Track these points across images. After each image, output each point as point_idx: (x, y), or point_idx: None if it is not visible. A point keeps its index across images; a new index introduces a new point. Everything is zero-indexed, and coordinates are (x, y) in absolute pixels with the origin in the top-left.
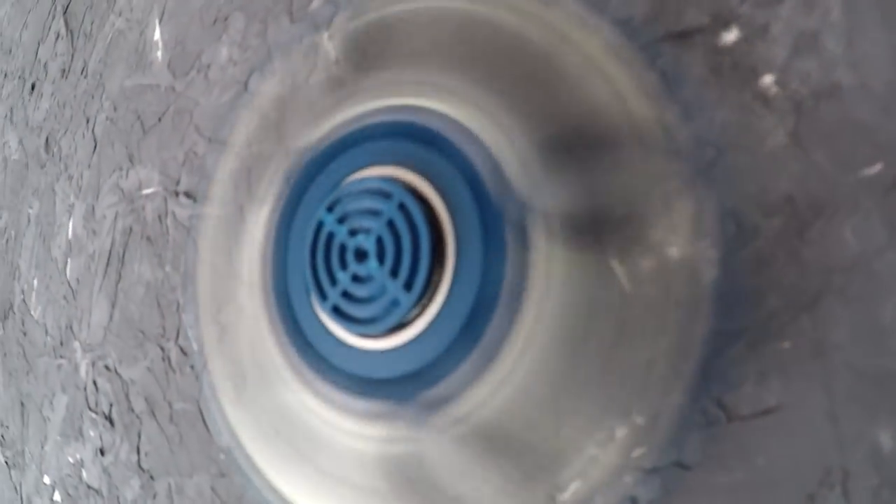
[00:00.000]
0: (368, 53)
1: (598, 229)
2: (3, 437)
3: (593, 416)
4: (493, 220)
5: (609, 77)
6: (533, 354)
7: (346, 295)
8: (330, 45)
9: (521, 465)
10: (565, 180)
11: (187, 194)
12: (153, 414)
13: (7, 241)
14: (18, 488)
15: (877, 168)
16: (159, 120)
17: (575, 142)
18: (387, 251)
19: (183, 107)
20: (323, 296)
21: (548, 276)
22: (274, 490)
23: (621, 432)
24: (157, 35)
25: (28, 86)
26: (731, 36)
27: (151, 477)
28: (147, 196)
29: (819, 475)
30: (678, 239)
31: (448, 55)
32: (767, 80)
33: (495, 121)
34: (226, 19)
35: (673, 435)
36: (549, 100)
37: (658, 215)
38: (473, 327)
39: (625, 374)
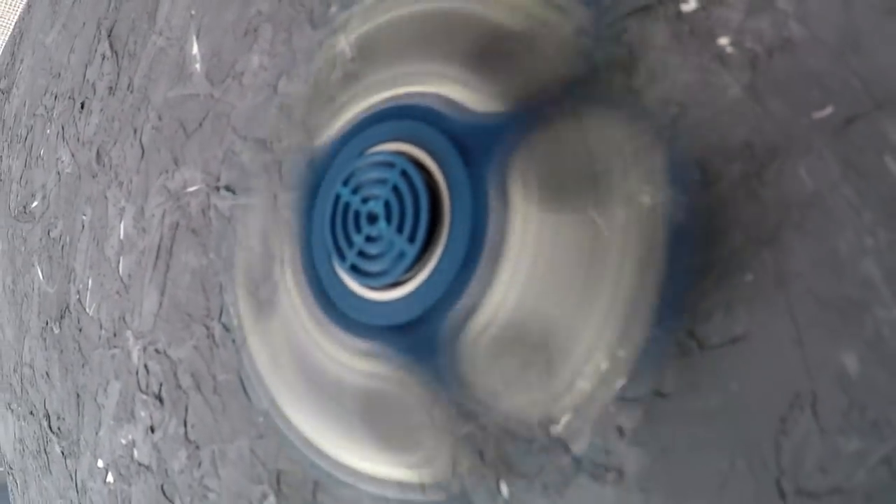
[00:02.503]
0: (379, 50)
1: (577, 183)
2: (59, 428)
3: (581, 352)
4: (480, 179)
5: (583, 54)
6: (518, 297)
7: (361, 254)
8: (346, 46)
9: (516, 401)
10: (547, 143)
11: (227, 188)
12: (199, 388)
13: (63, 247)
14: (73, 476)
15: (828, 111)
16: (200, 125)
17: (556, 113)
18: (393, 212)
19: (221, 111)
20: (342, 257)
21: (525, 228)
22: (308, 443)
23: (605, 365)
24: (195, 49)
25: (78, 105)
26: (689, 5)
27: (197, 447)
28: (191, 193)
29: (789, 398)
30: (650, 188)
31: (445, 46)
32: (723, 41)
33: (484, 98)
34: (255, 31)
35: (651, 366)
36: (530, 79)
37: (631, 168)
38: (465, 275)
39: (606, 311)
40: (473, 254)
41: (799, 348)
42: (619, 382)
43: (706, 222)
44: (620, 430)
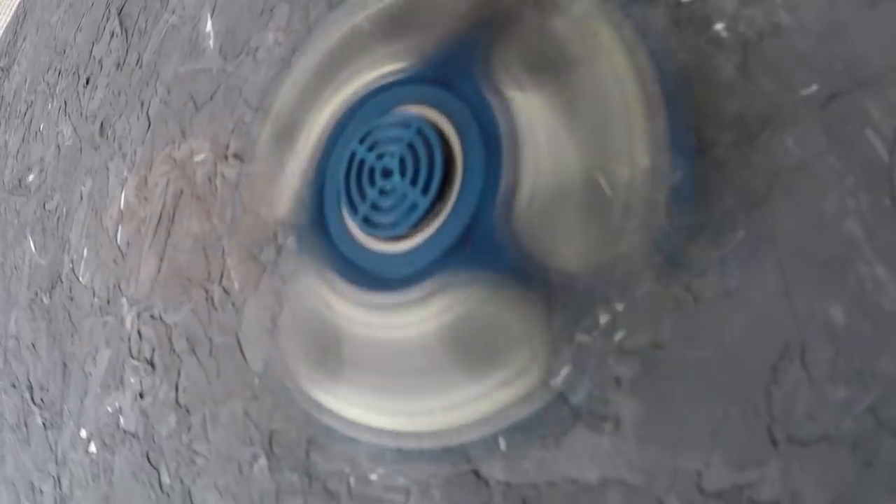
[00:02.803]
0: (397, 25)
1: (583, 145)
2: (42, 399)
3: (580, 306)
4: (491, 139)
5: (595, 34)
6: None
7: (374, 207)
8: (366, 23)
9: (516, 357)
10: (558, 116)
11: (236, 156)
12: (194, 351)
13: (58, 218)
14: (54, 447)
15: (813, 88)
16: (211, 98)
17: (565, 84)
18: (407, 166)
19: (233, 84)
20: (354, 210)
21: (535, 188)
22: (308, 398)
23: (604, 319)
24: (208, 27)
25: (83, 80)
26: None
27: (188, 411)
28: (198, 162)
29: (779, 349)
30: (649, 152)
31: (457, 18)
32: (719, 26)
33: (501, 63)
34: (272, 10)
35: (648, 318)
36: (543, 49)
37: (632, 133)
38: (474, 232)
39: (606, 267)
40: (486, 209)
41: (788, 301)
42: (618, 335)
43: (702, 185)
44: (618, 381)
